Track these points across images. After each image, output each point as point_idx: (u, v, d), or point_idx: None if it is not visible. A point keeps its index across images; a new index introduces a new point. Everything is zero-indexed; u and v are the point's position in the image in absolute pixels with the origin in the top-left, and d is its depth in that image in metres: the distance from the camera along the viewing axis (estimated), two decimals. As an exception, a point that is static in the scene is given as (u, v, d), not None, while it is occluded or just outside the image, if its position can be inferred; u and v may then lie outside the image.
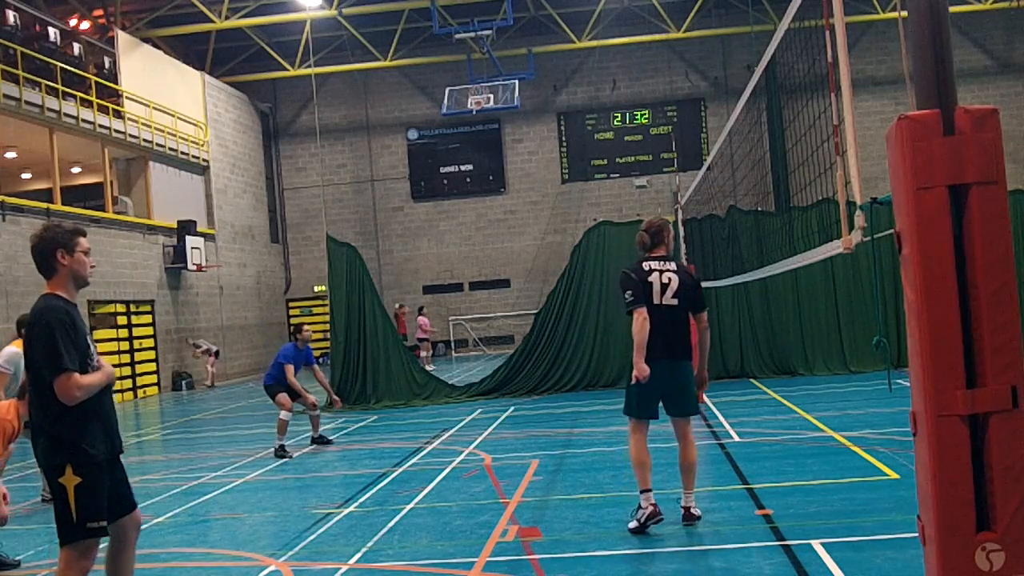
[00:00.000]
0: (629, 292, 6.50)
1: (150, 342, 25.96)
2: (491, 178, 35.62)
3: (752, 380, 16.46)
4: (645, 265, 6.63)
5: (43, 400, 4.35)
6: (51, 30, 24.17)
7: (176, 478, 10.66)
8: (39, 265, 4.50)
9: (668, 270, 6.61)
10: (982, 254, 3.31)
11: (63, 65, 23.27)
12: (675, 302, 6.54)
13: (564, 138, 35.44)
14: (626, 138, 35.14)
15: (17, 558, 7.10)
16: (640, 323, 6.41)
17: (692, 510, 6.63)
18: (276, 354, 12.39)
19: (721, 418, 12.10)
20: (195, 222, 28.08)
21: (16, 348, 9.01)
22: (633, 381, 6.51)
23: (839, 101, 4.61)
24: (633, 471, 6.61)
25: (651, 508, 6.43)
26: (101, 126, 24.32)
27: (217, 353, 27.75)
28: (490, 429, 12.86)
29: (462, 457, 10.61)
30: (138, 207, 26.78)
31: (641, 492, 6.48)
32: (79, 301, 4.69)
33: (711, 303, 16.82)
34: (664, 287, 6.54)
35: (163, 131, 27.64)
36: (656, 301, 6.51)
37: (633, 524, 6.52)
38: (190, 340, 27.40)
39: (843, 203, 4.67)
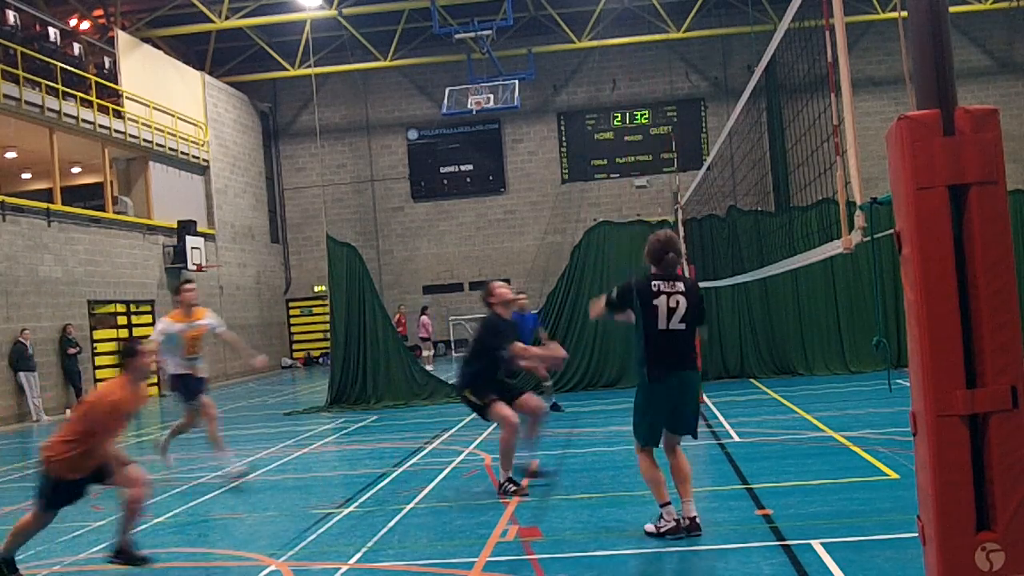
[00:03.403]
0: (617, 295, 6.45)
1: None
2: (491, 178, 35.60)
3: (752, 380, 16.46)
4: (653, 285, 6.23)
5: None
6: (51, 30, 24.15)
7: (176, 478, 10.65)
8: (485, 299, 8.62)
9: (677, 292, 6.22)
10: (982, 254, 3.31)
11: (63, 65, 23.25)
12: (682, 327, 6.24)
13: (564, 138, 35.42)
14: (626, 138, 35.11)
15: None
16: (601, 309, 6.54)
17: (697, 518, 6.35)
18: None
19: (721, 418, 12.10)
20: (195, 222, 28.07)
21: (169, 320, 10.24)
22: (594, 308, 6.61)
23: (839, 101, 4.61)
24: (648, 487, 6.53)
25: (674, 523, 6.31)
26: (101, 126, 24.31)
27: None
28: (490, 429, 12.83)
29: (462, 457, 10.61)
30: (138, 207, 26.77)
31: (662, 506, 6.38)
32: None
33: (711, 303, 16.87)
34: (671, 312, 6.19)
35: (163, 131, 27.64)
36: (662, 327, 6.18)
37: (651, 528, 6.41)
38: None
39: (843, 203, 4.68)
